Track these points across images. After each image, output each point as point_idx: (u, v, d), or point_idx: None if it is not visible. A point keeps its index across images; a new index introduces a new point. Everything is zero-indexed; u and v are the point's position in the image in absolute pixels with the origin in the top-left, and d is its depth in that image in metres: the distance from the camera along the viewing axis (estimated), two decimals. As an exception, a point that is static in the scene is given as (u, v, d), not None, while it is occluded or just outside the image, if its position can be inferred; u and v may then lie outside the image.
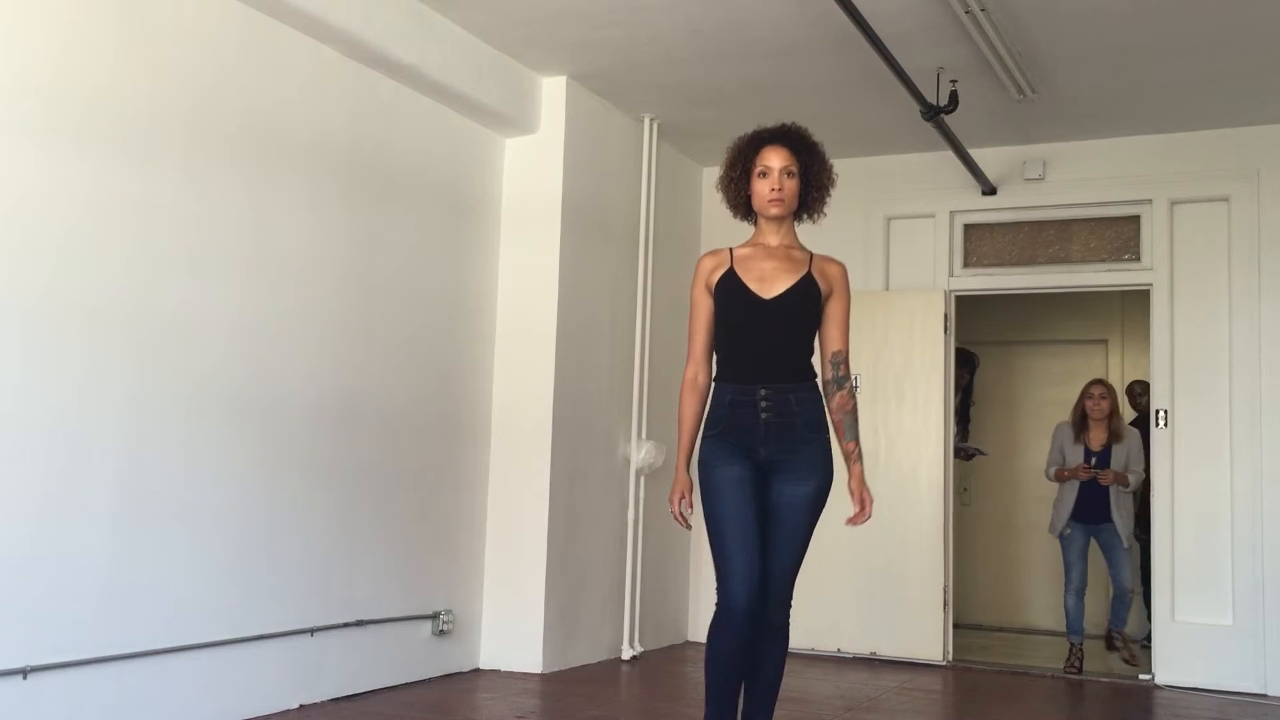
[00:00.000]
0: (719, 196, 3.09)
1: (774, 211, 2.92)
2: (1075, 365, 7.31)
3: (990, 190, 5.33)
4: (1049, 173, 5.26)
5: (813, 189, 2.99)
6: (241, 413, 3.45)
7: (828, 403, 2.97)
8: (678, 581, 5.59)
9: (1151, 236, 5.15)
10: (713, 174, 5.87)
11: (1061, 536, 5.50)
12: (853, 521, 2.92)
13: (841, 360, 2.97)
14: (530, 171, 4.69)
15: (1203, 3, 3.76)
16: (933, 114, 4.37)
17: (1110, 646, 5.63)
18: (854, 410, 2.98)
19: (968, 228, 5.52)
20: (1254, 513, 4.86)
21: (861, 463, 2.97)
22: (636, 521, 5.08)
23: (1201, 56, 4.23)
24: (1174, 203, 5.11)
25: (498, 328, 4.68)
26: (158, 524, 3.18)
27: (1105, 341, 7.41)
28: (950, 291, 5.44)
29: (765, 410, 2.87)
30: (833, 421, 2.96)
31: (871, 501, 2.93)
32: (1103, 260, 5.30)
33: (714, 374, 3.00)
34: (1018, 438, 7.31)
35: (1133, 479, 5.36)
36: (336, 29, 3.66)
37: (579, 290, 4.74)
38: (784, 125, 3.01)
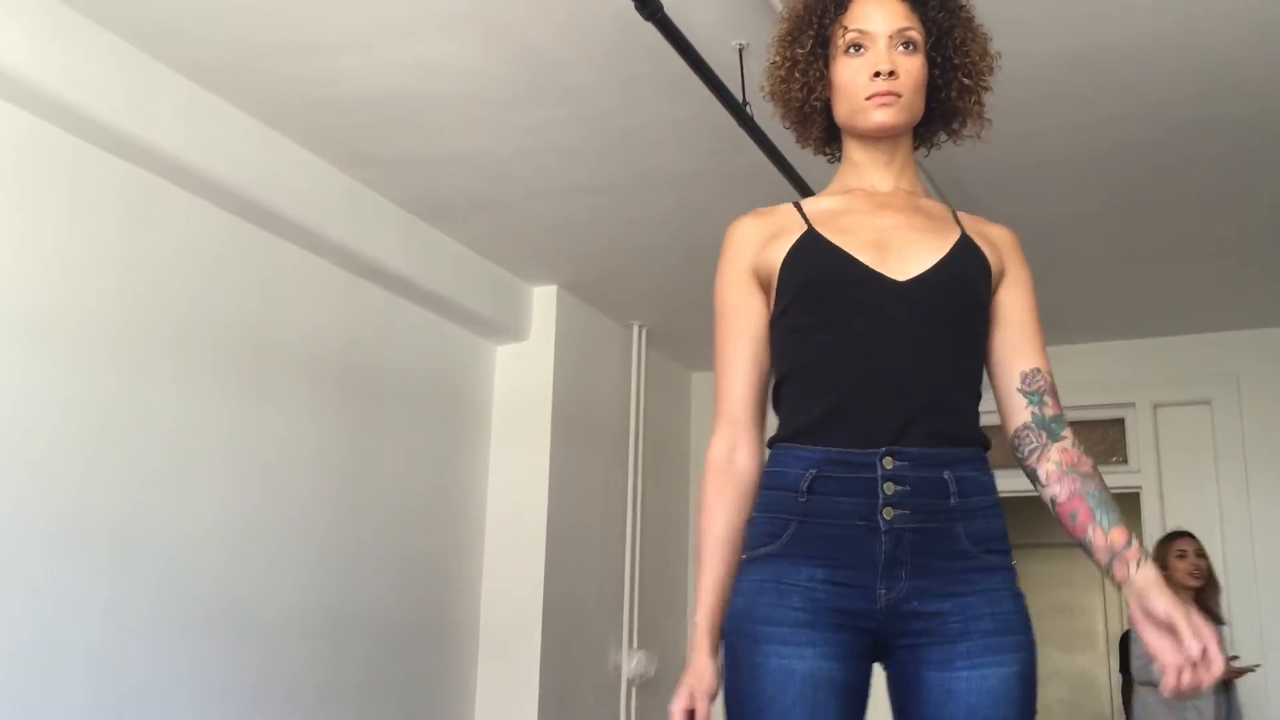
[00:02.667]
0: (771, 110, 1.72)
1: (880, 117, 1.56)
2: (1071, 568, 7.24)
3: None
4: (1032, 377, 5.33)
5: (958, 73, 1.62)
6: (225, 627, 3.37)
7: (1037, 465, 1.55)
8: (671, 800, 5.36)
9: (1137, 440, 5.19)
10: (702, 379, 5.96)
11: None
12: (1189, 686, 1.36)
13: (1046, 388, 1.57)
14: (521, 378, 4.75)
15: (1172, 213, 3.90)
16: (916, 320, 4.45)
17: None
18: (1100, 476, 1.55)
19: (956, 431, 5.56)
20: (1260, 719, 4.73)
21: (1151, 560, 1.47)
22: (628, 735, 4.92)
23: (1175, 264, 4.35)
24: (1157, 406, 5.17)
25: (487, 535, 4.64)
26: (131, 741, 3.07)
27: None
28: (941, 495, 5.43)
29: (893, 500, 1.45)
30: (1059, 499, 1.52)
31: (1215, 635, 1.38)
32: (1091, 463, 5.32)
33: (776, 435, 1.58)
34: (1016, 644, 7.17)
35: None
36: (332, 242, 3.76)
37: (569, 496, 4.73)
38: None
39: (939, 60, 1.63)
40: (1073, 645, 7.38)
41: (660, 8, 2.52)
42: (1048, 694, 7.32)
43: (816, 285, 1.55)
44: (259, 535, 3.52)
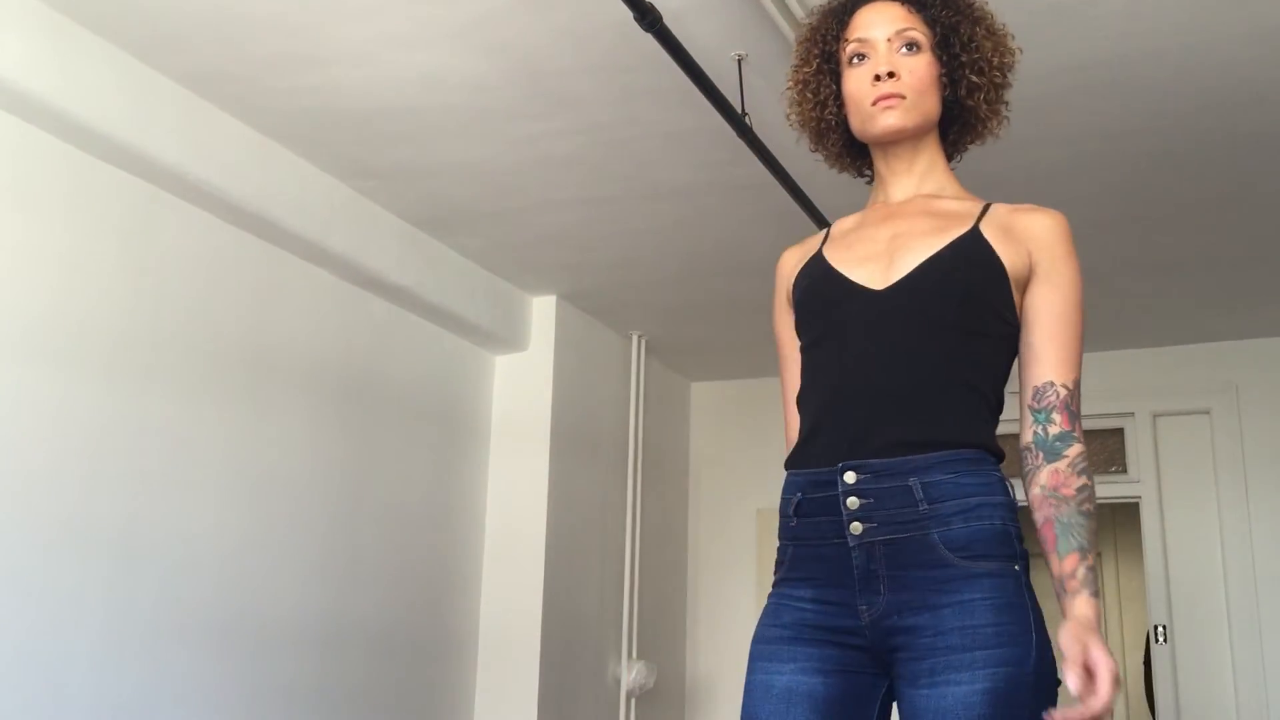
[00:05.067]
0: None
1: (886, 120, 1.56)
2: (1070, 579, 7.23)
3: (975, 404, 5.39)
4: (1032, 387, 5.33)
5: (966, 70, 1.58)
6: (223, 636, 3.37)
7: (1028, 489, 1.48)
8: (670, 811, 5.35)
9: (1137, 449, 5.19)
10: (701, 389, 5.97)
11: None
12: (1071, 716, 1.29)
13: (1057, 404, 1.47)
14: (520, 388, 4.74)
15: (1172, 223, 3.90)
16: (915, 330, 4.46)
17: None
18: (1082, 501, 1.42)
19: (955, 441, 5.56)
20: (1263, 732, 4.72)
21: (1091, 594, 1.38)
22: (627, 747, 4.91)
23: (1174, 274, 4.36)
24: (1156, 415, 5.17)
25: (486, 545, 4.63)
26: (129, 753, 3.06)
27: (1099, 554, 7.36)
28: (940, 505, 5.42)
29: (858, 514, 1.44)
30: (1037, 525, 1.45)
31: (1110, 670, 1.31)
32: (1090, 473, 5.32)
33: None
34: (1016, 655, 7.15)
35: None
36: (332, 253, 3.77)
37: (568, 506, 4.72)
38: None
39: (945, 59, 1.60)
40: (1073, 655, 7.37)
41: (660, 19, 2.52)
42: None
43: (807, 306, 1.60)
44: (257, 544, 3.52)
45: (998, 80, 1.61)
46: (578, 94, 3.13)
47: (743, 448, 5.69)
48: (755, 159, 3.18)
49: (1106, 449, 5.31)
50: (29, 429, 2.87)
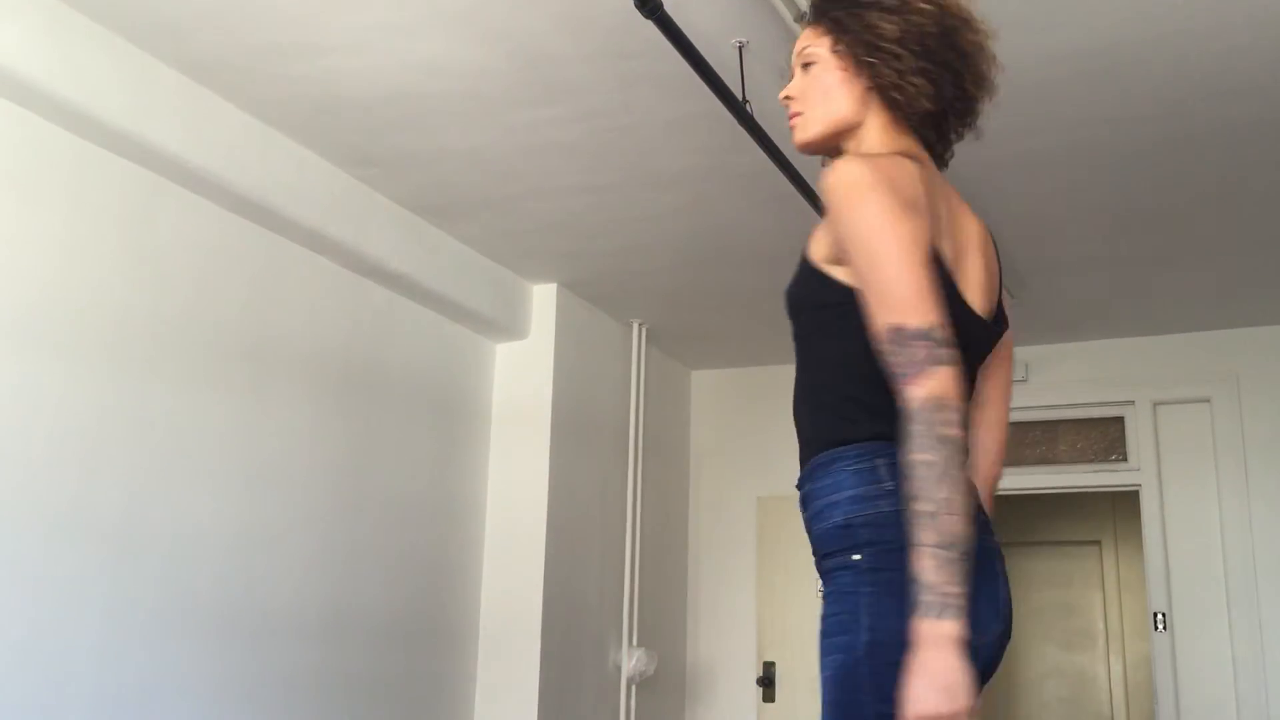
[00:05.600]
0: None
1: (795, 139, 1.64)
2: (1071, 567, 7.24)
3: (975, 392, 5.38)
4: (1031, 375, 5.34)
5: (852, 59, 1.56)
6: (224, 625, 3.38)
7: None
8: (671, 798, 5.37)
9: (1137, 437, 5.19)
10: (701, 377, 5.97)
11: None
12: None
13: (886, 361, 1.38)
14: (520, 376, 4.75)
15: (1172, 211, 3.90)
16: (915, 318, 4.45)
17: None
18: (910, 482, 1.29)
19: (955, 429, 5.55)
20: (1260, 717, 4.73)
21: (926, 615, 1.25)
22: (627, 733, 4.92)
23: (1175, 262, 4.35)
24: (1156, 404, 5.17)
25: (486, 533, 4.64)
26: (131, 739, 3.06)
27: (1099, 543, 7.37)
28: (940, 493, 5.42)
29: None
30: None
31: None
32: (1090, 461, 5.32)
33: None
34: (1020, 642, 7.17)
35: None
36: (332, 241, 3.76)
37: (569, 494, 4.73)
38: None
39: (851, 55, 1.57)
40: (1072, 644, 7.39)
41: (660, 5, 2.52)
42: (1046, 692, 7.31)
43: None
44: (257, 533, 3.52)
45: (894, 51, 1.52)
46: (578, 81, 3.12)
47: (743, 435, 5.70)
48: (756, 146, 3.17)
49: (1107, 437, 5.31)
50: (28, 419, 2.87)
